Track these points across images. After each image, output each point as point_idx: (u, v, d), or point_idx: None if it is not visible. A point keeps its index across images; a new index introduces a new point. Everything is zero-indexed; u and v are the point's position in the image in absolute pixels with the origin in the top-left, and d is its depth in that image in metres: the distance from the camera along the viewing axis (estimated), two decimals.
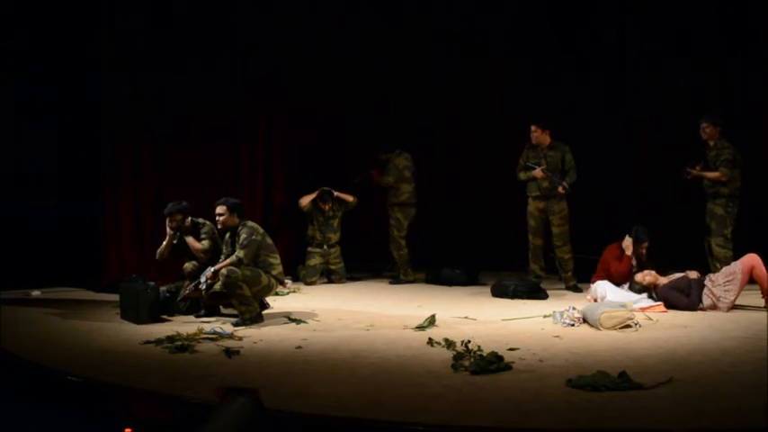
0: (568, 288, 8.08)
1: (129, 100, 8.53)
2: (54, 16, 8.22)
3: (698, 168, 7.66)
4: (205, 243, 6.87)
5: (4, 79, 8.08)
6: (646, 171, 9.55)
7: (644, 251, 7.36)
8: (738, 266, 6.65)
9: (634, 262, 7.35)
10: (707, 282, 6.76)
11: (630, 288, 7.09)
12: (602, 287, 7.10)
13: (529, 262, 8.36)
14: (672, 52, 9.29)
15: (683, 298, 6.71)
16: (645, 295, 6.92)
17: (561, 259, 8.18)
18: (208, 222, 6.94)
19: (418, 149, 9.26)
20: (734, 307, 6.66)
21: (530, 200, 8.21)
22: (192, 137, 8.89)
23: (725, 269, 6.79)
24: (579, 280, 8.22)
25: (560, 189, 7.92)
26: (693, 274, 6.91)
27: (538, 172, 8.01)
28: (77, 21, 8.33)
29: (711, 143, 7.66)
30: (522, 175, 8.17)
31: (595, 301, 7.04)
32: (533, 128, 8.09)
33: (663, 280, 6.94)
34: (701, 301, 6.69)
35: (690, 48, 9.18)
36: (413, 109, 10.04)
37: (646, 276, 6.99)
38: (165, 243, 7.01)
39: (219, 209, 6.59)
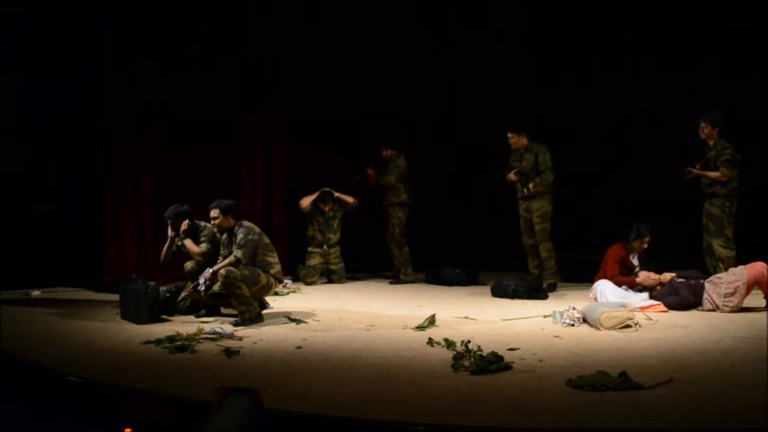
0: (547, 286, 8.10)
1: (130, 100, 8.53)
2: (54, 15, 8.22)
3: (698, 167, 7.65)
4: (203, 246, 6.86)
5: (3, 79, 8.08)
6: (645, 170, 9.55)
7: (645, 246, 7.35)
8: (744, 277, 6.56)
9: (636, 261, 7.34)
10: (707, 285, 6.72)
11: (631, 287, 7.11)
12: (603, 286, 7.10)
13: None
14: (672, 51, 9.30)
15: (675, 298, 6.73)
16: (645, 295, 6.92)
17: (540, 258, 8.27)
18: (209, 225, 6.92)
19: (418, 149, 9.26)
20: None
21: (519, 202, 8.35)
22: (192, 137, 8.90)
23: (729, 276, 6.65)
24: (580, 280, 8.26)
25: (524, 191, 8.08)
26: (666, 276, 6.95)
27: (511, 175, 8.21)
28: (77, 20, 8.33)
29: (711, 143, 7.66)
30: (506, 178, 8.33)
31: (596, 300, 7.04)
32: (510, 135, 8.22)
33: (667, 276, 6.96)
34: (697, 302, 6.68)
35: (690, 47, 9.18)
36: (414, 108, 10.04)
37: (650, 276, 6.99)
38: (166, 247, 7.02)
39: (213, 212, 6.58)
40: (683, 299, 6.70)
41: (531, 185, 8.04)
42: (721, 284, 6.64)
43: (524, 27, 10.09)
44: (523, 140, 8.19)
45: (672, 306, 6.68)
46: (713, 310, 6.61)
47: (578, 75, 9.89)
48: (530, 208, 8.21)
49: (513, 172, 8.17)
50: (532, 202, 8.16)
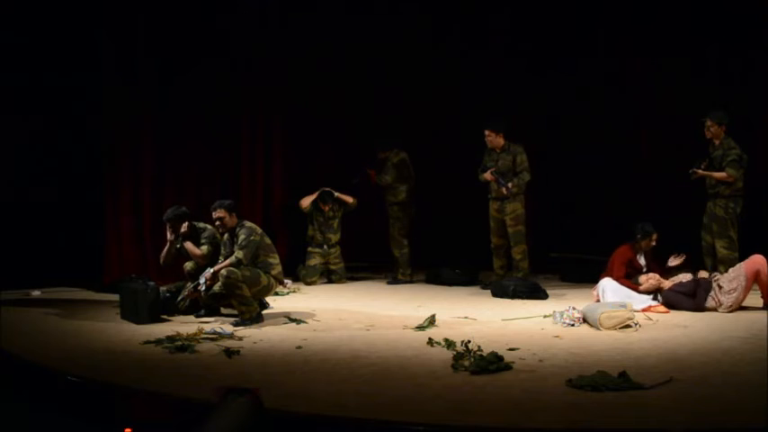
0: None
1: (130, 100, 8.53)
2: (55, 14, 8.21)
3: (703, 167, 7.64)
4: (204, 249, 6.85)
5: (3, 77, 8.07)
6: (647, 170, 9.55)
7: (653, 243, 7.33)
8: (742, 271, 6.58)
9: (643, 261, 7.32)
10: (714, 284, 6.73)
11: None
12: (605, 284, 7.07)
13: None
14: (671, 51, 9.30)
15: (688, 301, 6.70)
16: (646, 297, 6.90)
17: (514, 259, 8.28)
18: (209, 227, 6.91)
19: (418, 149, 9.25)
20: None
21: (490, 201, 8.34)
22: (192, 137, 8.89)
23: (729, 275, 6.68)
24: (581, 280, 8.26)
25: (503, 190, 8.08)
26: (703, 274, 6.95)
27: (487, 174, 8.19)
28: (78, 19, 8.32)
29: (717, 142, 7.63)
30: (480, 178, 8.32)
31: (599, 298, 7.01)
32: (487, 132, 8.22)
33: (666, 283, 6.93)
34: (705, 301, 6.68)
35: (689, 47, 9.18)
36: (413, 108, 10.04)
37: (650, 280, 6.97)
38: (165, 250, 6.99)
39: (218, 212, 6.54)
40: (697, 304, 6.64)
41: (510, 185, 8.05)
42: (723, 282, 6.66)
43: (524, 25, 10.07)
44: (500, 140, 8.22)
45: (683, 309, 6.66)
46: (715, 309, 6.60)
47: (578, 74, 9.89)
48: (502, 209, 8.22)
49: (489, 171, 8.17)
50: (506, 204, 8.17)
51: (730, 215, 7.54)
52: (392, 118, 9.85)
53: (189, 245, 6.88)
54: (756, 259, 6.64)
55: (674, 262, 7.25)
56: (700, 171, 7.62)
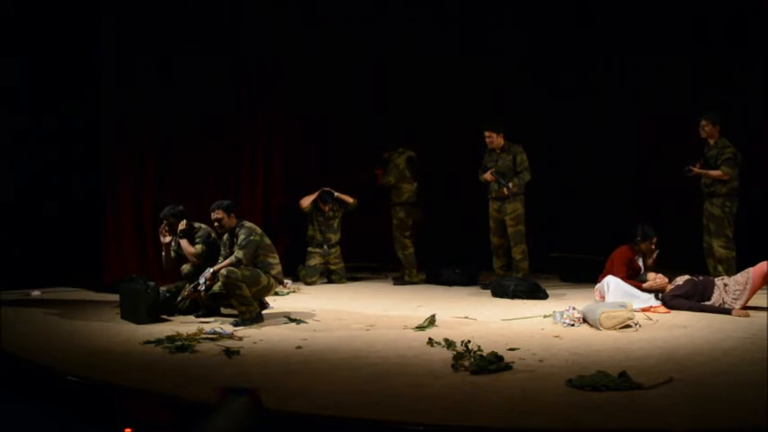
0: None
1: (130, 100, 8.53)
2: (55, 14, 8.21)
3: (698, 166, 7.66)
4: (198, 248, 6.86)
5: (4, 79, 8.07)
6: (645, 170, 9.57)
7: (653, 246, 7.32)
8: (749, 275, 6.55)
9: (641, 262, 7.32)
10: (718, 283, 6.72)
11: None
12: (609, 280, 7.03)
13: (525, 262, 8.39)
14: (671, 51, 9.31)
15: (686, 303, 6.69)
16: (651, 295, 6.88)
17: (514, 259, 8.29)
18: (203, 226, 6.93)
19: (418, 149, 9.26)
20: None
21: (490, 201, 8.35)
22: (193, 137, 8.89)
23: (737, 278, 6.64)
24: (581, 280, 8.25)
25: (504, 191, 8.11)
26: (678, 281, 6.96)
27: (488, 175, 8.22)
28: (77, 19, 8.32)
29: (711, 141, 7.67)
30: (480, 178, 8.34)
31: (602, 296, 6.99)
32: (487, 134, 8.26)
33: (668, 287, 6.91)
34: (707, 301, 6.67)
35: (689, 47, 9.19)
36: (413, 108, 10.04)
37: (657, 279, 6.96)
38: (164, 255, 7.05)
39: (217, 213, 6.55)
40: (695, 305, 6.64)
41: (510, 185, 8.07)
42: (730, 285, 6.65)
43: (524, 27, 10.08)
44: (500, 140, 8.26)
45: (686, 309, 6.66)
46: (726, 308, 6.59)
47: (578, 75, 9.90)
48: (502, 209, 8.24)
49: (489, 172, 8.20)
50: (506, 204, 8.20)
51: (727, 214, 7.56)
52: (393, 118, 9.85)
53: (184, 243, 6.89)
54: (763, 266, 6.57)
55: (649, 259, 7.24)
56: (695, 169, 7.65)
